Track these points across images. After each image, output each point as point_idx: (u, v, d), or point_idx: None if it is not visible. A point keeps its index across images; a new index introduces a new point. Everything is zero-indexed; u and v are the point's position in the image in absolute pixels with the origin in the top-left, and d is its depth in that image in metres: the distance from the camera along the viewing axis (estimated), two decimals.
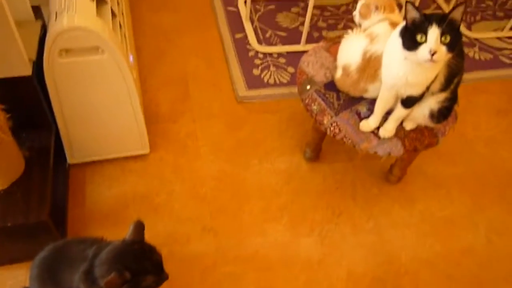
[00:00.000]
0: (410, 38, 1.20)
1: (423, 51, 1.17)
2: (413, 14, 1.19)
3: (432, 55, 1.15)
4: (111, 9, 1.53)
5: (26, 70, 1.35)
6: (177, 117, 1.98)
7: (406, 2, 1.18)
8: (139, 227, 1.07)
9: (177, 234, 1.61)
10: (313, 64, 1.67)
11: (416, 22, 1.19)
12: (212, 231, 1.63)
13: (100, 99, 1.53)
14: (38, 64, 1.41)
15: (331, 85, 1.60)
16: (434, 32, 1.15)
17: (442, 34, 1.15)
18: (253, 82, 2.15)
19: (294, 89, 2.12)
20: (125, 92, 1.54)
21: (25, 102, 1.44)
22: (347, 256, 1.61)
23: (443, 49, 1.16)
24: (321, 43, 1.76)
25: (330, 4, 2.63)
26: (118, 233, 1.58)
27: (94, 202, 1.67)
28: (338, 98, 1.57)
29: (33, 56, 1.40)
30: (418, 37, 1.17)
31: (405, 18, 1.21)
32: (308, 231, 1.66)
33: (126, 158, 1.79)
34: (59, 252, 1.16)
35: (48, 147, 1.50)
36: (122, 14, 1.76)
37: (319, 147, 1.83)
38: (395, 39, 1.27)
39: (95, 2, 1.42)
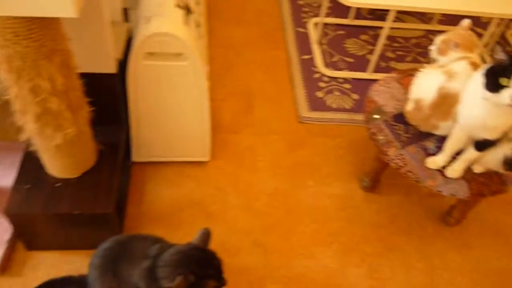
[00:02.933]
0: (493, 80, 1.18)
1: (504, 95, 1.16)
2: (501, 56, 1.17)
3: None
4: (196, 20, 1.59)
5: (112, 68, 1.42)
6: (238, 129, 2.01)
7: (496, 42, 1.17)
8: (206, 235, 1.09)
9: (228, 245, 1.63)
10: (383, 94, 1.67)
11: (502, 65, 1.17)
12: (262, 247, 1.64)
13: (174, 104, 1.59)
14: (122, 64, 1.48)
15: (400, 117, 1.59)
16: None
17: None
18: (316, 104, 2.16)
19: (356, 116, 2.12)
20: (198, 99, 1.58)
21: (105, 98, 1.49)
22: None
23: None
24: (393, 74, 1.75)
25: (400, 35, 2.61)
26: (170, 234, 1.62)
27: (151, 201, 1.72)
28: (406, 131, 1.55)
29: (119, 56, 1.47)
30: (501, 81, 1.16)
31: (492, 58, 1.20)
32: (358, 261, 1.64)
33: (186, 163, 1.83)
34: (122, 245, 1.19)
35: (118, 143, 1.57)
36: (202, 25, 1.82)
37: (378, 177, 1.81)
38: (478, 79, 1.25)
39: (183, 10, 1.48)
